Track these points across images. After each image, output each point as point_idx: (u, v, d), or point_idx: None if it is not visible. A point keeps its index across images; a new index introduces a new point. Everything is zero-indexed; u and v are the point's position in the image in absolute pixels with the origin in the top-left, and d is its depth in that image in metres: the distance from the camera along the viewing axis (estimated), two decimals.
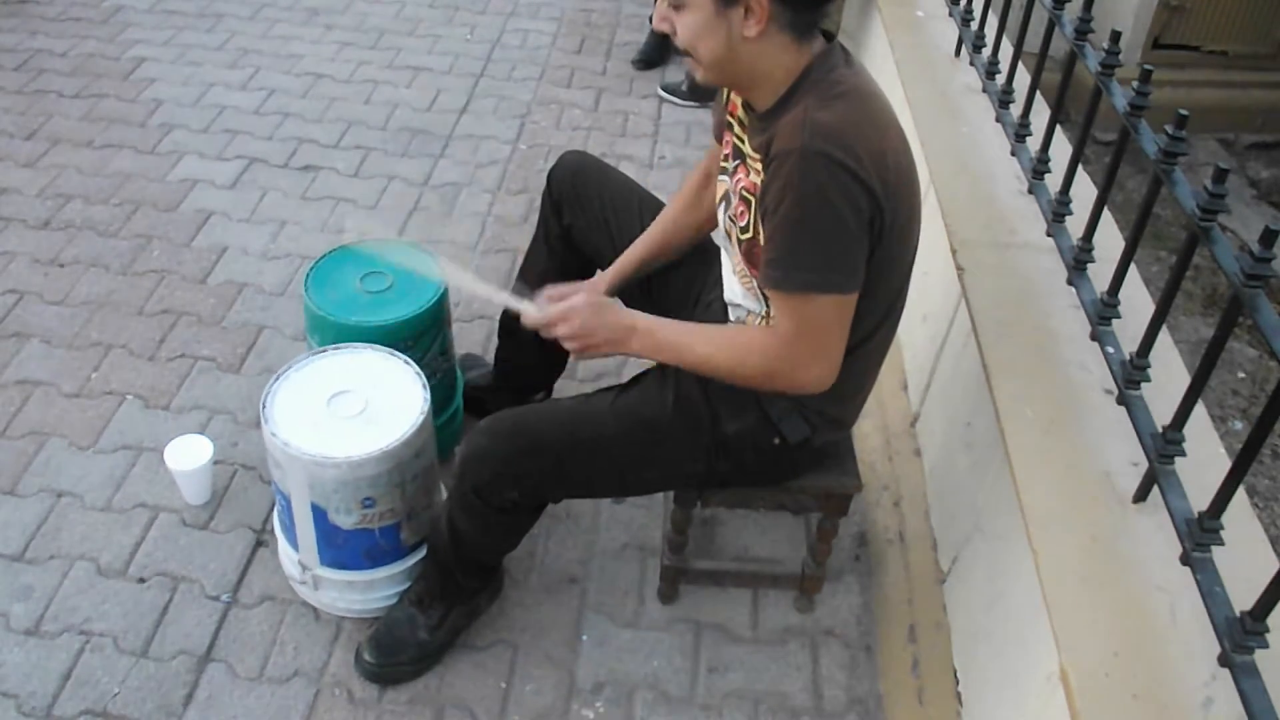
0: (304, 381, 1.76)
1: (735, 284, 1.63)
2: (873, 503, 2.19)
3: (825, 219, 1.35)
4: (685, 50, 1.42)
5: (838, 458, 1.79)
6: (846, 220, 1.35)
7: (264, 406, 1.70)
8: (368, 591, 1.86)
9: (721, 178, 1.62)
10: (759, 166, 1.44)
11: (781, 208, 1.36)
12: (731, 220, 1.56)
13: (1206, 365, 1.26)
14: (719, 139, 1.67)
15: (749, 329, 1.59)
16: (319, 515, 1.72)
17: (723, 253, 1.67)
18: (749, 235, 1.50)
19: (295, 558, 1.84)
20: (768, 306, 1.56)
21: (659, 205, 1.94)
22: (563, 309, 1.55)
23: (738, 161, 1.55)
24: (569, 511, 2.13)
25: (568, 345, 1.57)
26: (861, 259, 1.40)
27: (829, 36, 1.45)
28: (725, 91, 1.63)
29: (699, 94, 3.56)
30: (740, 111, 1.55)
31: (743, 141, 1.53)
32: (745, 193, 1.49)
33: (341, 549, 1.78)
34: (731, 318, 1.67)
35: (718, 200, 1.64)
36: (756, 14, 1.34)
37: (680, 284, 1.87)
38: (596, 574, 2.03)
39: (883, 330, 1.58)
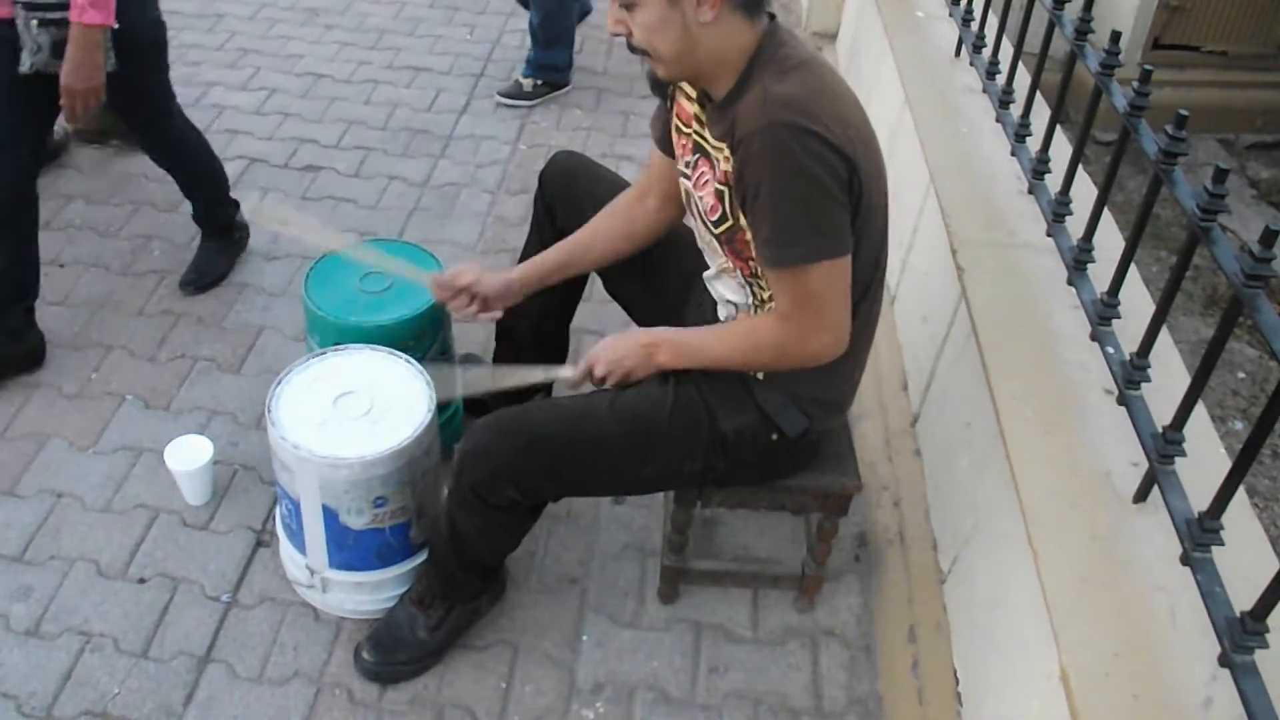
0: (307, 384, 1.76)
1: (719, 279, 1.63)
2: (873, 503, 2.19)
3: (804, 188, 1.37)
4: (644, 49, 1.44)
5: (838, 457, 1.79)
6: (825, 184, 1.37)
7: (270, 410, 1.70)
8: (377, 592, 1.86)
9: (683, 180, 1.63)
10: (727, 154, 1.45)
11: (762, 186, 1.38)
12: (703, 217, 1.57)
13: (1206, 365, 1.26)
14: (662, 147, 1.71)
15: (755, 318, 1.61)
16: (330, 517, 1.72)
17: (703, 252, 1.67)
18: (728, 224, 1.51)
19: (302, 562, 1.83)
20: (753, 297, 1.58)
21: None
22: (588, 359, 1.64)
23: (698, 156, 1.56)
24: (569, 511, 2.13)
25: (609, 382, 1.63)
26: (846, 219, 1.42)
27: (771, 16, 1.47)
28: (669, 98, 1.64)
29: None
30: (693, 109, 1.56)
31: (704, 137, 1.54)
32: (718, 184, 1.50)
33: (352, 550, 1.78)
34: (721, 315, 1.68)
35: (685, 202, 1.65)
36: None
37: (677, 281, 1.87)
38: (596, 574, 2.03)
39: (865, 305, 1.59)
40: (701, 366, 1.62)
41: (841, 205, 1.40)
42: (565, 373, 1.69)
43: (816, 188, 1.37)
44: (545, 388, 2.25)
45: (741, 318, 1.64)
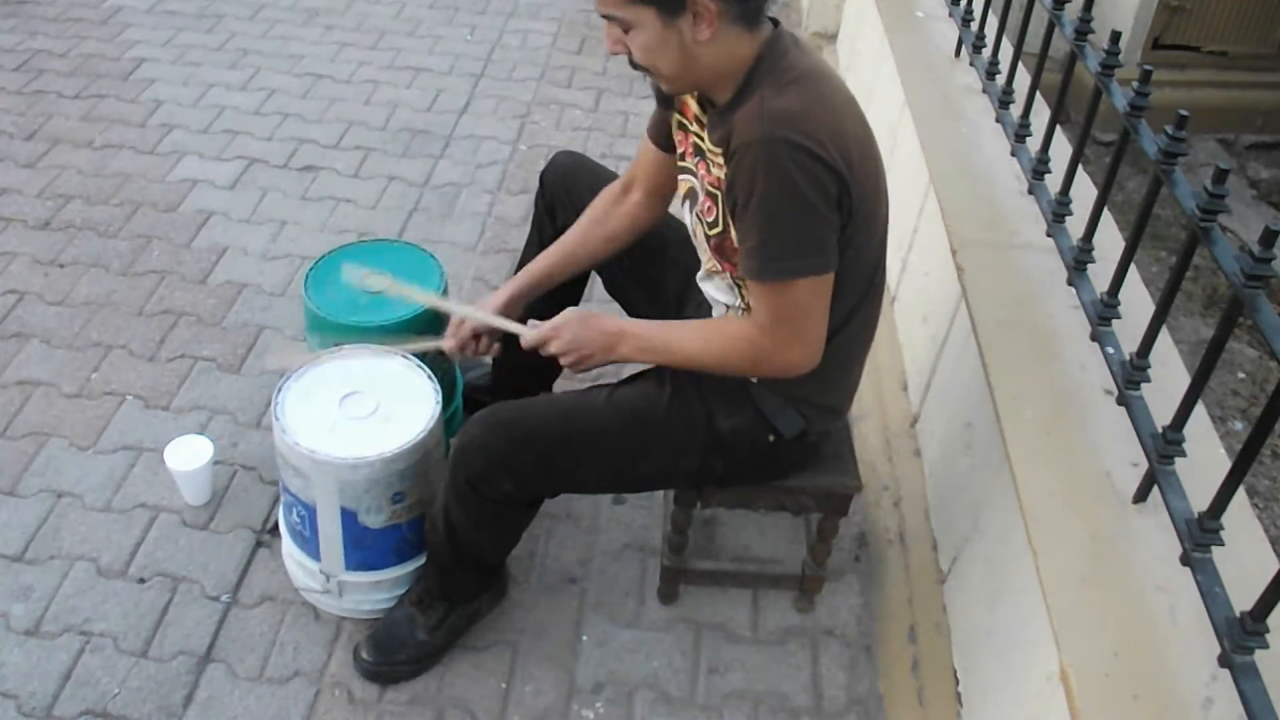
0: (309, 389, 1.75)
1: (710, 280, 1.64)
2: (873, 503, 2.19)
3: (794, 204, 1.36)
4: (646, 68, 1.43)
5: (837, 458, 1.79)
6: (815, 202, 1.36)
7: (278, 418, 1.69)
8: (394, 589, 1.86)
9: (684, 176, 1.63)
10: (720, 160, 1.45)
11: (752, 199, 1.38)
12: (699, 218, 1.57)
13: (1206, 365, 1.26)
14: (656, 141, 1.71)
15: (731, 321, 1.61)
16: (348, 519, 1.71)
17: (697, 251, 1.67)
18: (718, 229, 1.51)
19: (315, 568, 1.82)
20: (741, 299, 1.58)
21: None
22: (551, 325, 1.59)
23: (698, 158, 1.56)
24: (569, 512, 2.13)
25: (563, 360, 1.60)
26: (834, 238, 1.42)
27: (775, 21, 1.46)
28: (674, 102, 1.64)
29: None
30: (695, 109, 1.56)
31: (702, 138, 1.54)
32: (711, 188, 1.50)
33: (370, 550, 1.78)
34: (715, 315, 1.68)
35: (682, 199, 1.65)
36: (705, 17, 1.35)
37: (676, 282, 1.87)
38: (596, 574, 2.03)
39: (862, 312, 1.58)
40: (667, 364, 1.60)
41: (829, 223, 1.40)
42: (522, 330, 1.64)
43: (805, 204, 1.36)
44: (545, 389, 2.25)
45: (719, 319, 1.63)
